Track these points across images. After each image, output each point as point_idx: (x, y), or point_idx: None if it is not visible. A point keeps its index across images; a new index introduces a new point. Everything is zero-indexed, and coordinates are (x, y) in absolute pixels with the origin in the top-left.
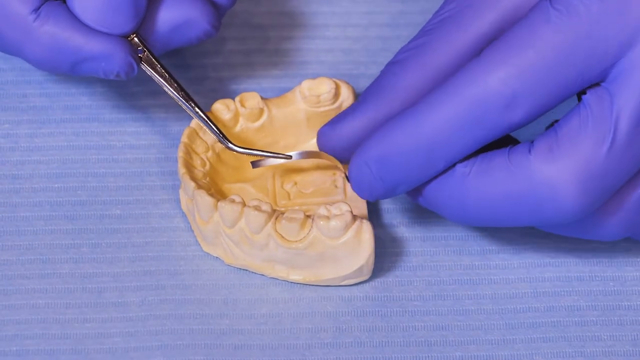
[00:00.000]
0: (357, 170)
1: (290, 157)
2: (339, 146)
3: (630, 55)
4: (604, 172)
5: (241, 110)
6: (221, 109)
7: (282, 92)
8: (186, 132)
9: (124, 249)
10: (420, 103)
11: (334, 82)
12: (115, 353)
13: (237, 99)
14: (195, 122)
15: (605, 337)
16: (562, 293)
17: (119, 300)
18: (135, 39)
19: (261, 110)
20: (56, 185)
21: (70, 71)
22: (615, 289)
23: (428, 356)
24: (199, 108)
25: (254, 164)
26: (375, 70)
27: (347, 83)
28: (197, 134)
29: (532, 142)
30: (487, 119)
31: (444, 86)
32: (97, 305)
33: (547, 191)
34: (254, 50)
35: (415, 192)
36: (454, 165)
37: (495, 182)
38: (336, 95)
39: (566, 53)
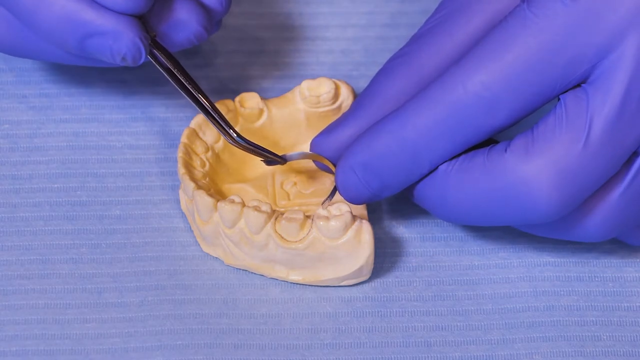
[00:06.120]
0: (344, 174)
1: (284, 161)
2: (333, 155)
3: (610, 58)
4: (579, 171)
5: (241, 110)
6: (221, 109)
7: (282, 92)
8: (186, 132)
9: (124, 250)
10: (403, 108)
11: (334, 82)
12: (114, 353)
13: (237, 99)
14: (195, 123)
15: (605, 337)
16: (562, 293)
17: (119, 301)
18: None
19: (261, 111)
20: (56, 186)
21: (79, 48)
22: (614, 289)
23: (428, 356)
24: (207, 100)
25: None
26: (374, 71)
27: (347, 83)
28: (197, 134)
29: (510, 141)
30: (468, 123)
31: (425, 91)
32: (96, 305)
33: (522, 190)
34: (253, 51)
35: (406, 189)
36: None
37: (473, 181)
38: (336, 95)
39: (544, 56)
